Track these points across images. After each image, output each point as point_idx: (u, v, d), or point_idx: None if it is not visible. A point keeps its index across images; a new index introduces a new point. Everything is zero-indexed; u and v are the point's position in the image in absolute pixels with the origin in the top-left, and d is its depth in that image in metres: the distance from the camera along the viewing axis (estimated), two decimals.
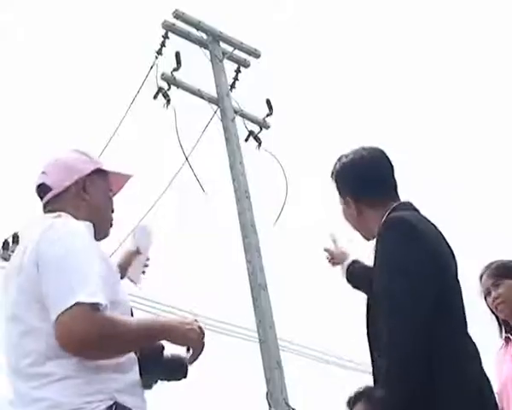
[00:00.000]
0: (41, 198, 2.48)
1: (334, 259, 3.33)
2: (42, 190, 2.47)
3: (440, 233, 2.66)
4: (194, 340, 2.35)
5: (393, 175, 2.81)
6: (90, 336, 2.09)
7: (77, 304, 2.08)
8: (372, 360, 2.67)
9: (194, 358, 2.39)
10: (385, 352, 2.40)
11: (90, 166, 2.50)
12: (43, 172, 2.48)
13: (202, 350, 2.38)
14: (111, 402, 2.14)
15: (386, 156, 2.81)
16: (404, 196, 2.82)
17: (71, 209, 2.39)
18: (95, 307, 2.10)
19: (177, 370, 2.47)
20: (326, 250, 3.37)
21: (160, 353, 2.43)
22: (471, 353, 2.52)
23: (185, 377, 2.50)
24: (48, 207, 2.45)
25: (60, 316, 2.09)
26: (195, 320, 2.38)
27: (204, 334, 2.38)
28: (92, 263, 2.19)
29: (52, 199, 2.45)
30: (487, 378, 2.55)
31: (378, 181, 2.76)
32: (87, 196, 2.46)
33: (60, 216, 2.34)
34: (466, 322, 2.56)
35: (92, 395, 2.12)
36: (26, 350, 2.19)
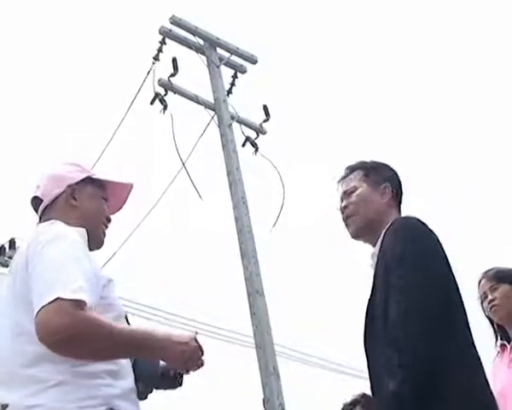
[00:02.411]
0: (36, 211, 2.52)
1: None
2: (35, 203, 2.52)
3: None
4: (185, 364, 2.29)
5: None
6: (68, 332, 2.05)
7: (57, 299, 2.07)
8: (367, 360, 2.64)
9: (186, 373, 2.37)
10: (397, 344, 2.39)
11: (79, 175, 2.53)
12: (37, 186, 2.53)
13: (198, 369, 2.33)
14: (105, 407, 2.13)
15: None
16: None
17: (62, 217, 2.42)
18: (77, 303, 2.08)
19: (172, 379, 2.46)
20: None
21: (156, 362, 2.42)
22: (476, 361, 2.52)
23: (180, 385, 2.50)
24: (42, 219, 2.48)
25: (39, 311, 2.08)
26: (195, 337, 2.30)
27: (202, 353, 2.32)
28: (78, 263, 2.19)
29: (45, 210, 2.49)
30: (490, 389, 2.54)
31: (402, 194, 2.88)
32: (76, 202, 2.48)
33: (52, 223, 2.37)
34: (470, 328, 2.57)
35: (87, 399, 2.12)
36: (20, 350, 2.18)
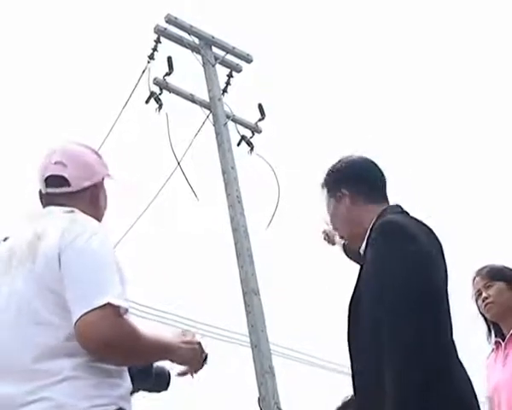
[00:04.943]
0: (49, 186, 2.36)
1: (330, 238, 3.42)
2: (58, 181, 2.35)
3: (432, 233, 2.66)
4: (194, 362, 2.34)
5: (385, 184, 2.84)
6: (116, 340, 2.04)
7: (107, 305, 2.03)
8: (351, 361, 2.63)
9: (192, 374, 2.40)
10: (390, 352, 2.37)
11: (104, 171, 2.47)
12: (63, 164, 2.36)
13: (201, 368, 2.38)
14: (115, 407, 2.09)
15: (378, 167, 2.86)
16: (397, 198, 2.84)
17: (84, 211, 2.32)
18: (122, 310, 2.07)
19: (161, 382, 2.47)
20: (323, 232, 3.46)
21: (149, 364, 2.42)
22: (456, 359, 2.52)
23: (166, 389, 2.51)
24: (57, 201, 2.35)
25: (87, 314, 2.02)
26: (197, 341, 2.35)
27: (205, 354, 2.37)
28: (114, 265, 2.15)
29: (66, 194, 2.35)
30: (472, 386, 2.53)
31: (374, 180, 2.80)
32: (99, 203, 2.44)
33: (73, 212, 2.28)
34: (451, 326, 2.56)
35: (98, 398, 2.06)
36: (34, 342, 2.08)
